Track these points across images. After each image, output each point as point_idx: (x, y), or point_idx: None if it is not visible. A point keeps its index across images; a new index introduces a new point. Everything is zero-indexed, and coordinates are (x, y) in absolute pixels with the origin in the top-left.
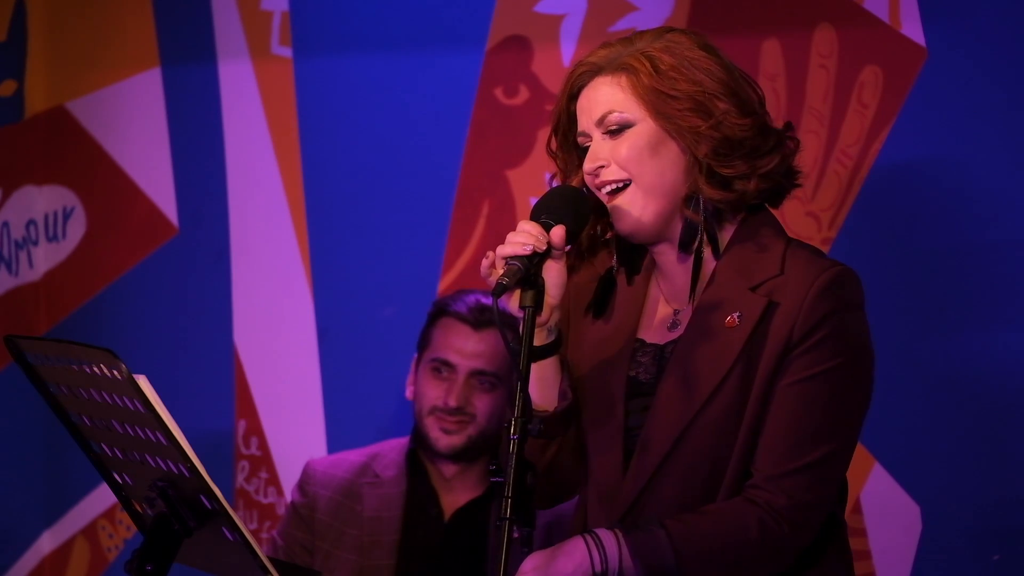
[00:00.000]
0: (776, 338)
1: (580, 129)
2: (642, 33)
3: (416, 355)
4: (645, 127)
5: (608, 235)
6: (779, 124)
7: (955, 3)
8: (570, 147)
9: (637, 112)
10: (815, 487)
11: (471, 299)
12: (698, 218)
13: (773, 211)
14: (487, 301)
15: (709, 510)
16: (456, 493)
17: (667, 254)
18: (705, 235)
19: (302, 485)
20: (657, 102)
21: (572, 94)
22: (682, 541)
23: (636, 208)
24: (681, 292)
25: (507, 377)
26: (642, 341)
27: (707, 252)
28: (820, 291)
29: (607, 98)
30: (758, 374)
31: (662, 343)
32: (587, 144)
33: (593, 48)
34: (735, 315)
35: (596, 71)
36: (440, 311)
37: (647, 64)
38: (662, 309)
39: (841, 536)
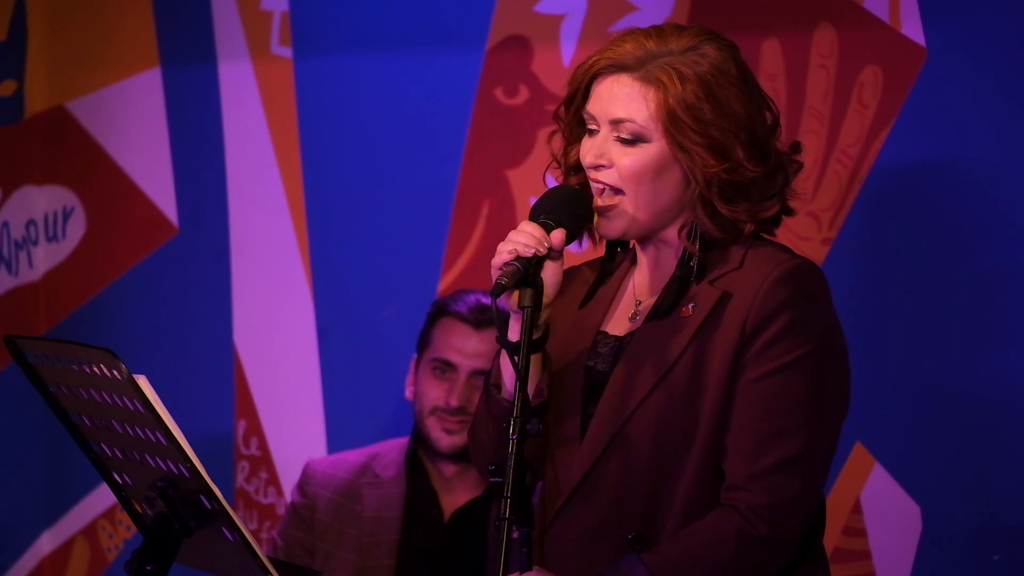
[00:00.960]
0: (729, 329)
1: (590, 112)
2: (677, 33)
3: (415, 355)
4: (657, 147)
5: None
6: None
7: (955, 3)
8: (579, 120)
9: (655, 131)
10: (795, 482)
11: (471, 299)
12: (694, 248)
13: None
14: (487, 301)
15: (687, 533)
16: (456, 493)
17: (648, 251)
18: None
19: (302, 485)
20: (676, 129)
21: (593, 75)
22: (661, 574)
23: (624, 219)
24: (652, 286)
25: None
26: (604, 333)
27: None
28: (774, 283)
29: (628, 105)
30: (711, 365)
31: (622, 335)
32: (592, 127)
33: (616, 38)
34: (690, 306)
35: (623, 68)
36: (440, 311)
37: (677, 86)
38: (628, 302)
39: (818, 556)
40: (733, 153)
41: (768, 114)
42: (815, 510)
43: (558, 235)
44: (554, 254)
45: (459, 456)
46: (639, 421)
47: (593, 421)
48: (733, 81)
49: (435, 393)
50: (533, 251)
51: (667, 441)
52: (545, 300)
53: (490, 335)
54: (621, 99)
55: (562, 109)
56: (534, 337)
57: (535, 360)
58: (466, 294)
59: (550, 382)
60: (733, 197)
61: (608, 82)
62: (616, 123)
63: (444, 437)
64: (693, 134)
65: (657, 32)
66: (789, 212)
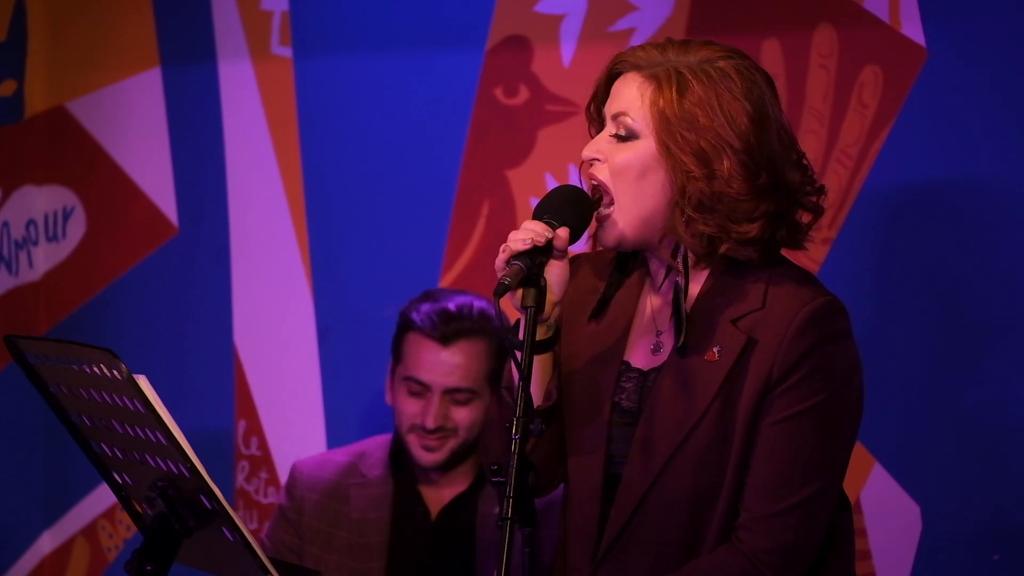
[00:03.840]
0: (756, 375)
1: (605, 108)
2: (702, 46)
3: (391, 362)
4: (646, 145)
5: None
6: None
7: (955, 3)
8: (604, 116)
9: (646, 127)
10: (799, 527)
11: (429, 308)
12: (675, 263)
13: None
14: (449, 306)
15: (692, 568)
16: (441, 490)
17: (654, 263)
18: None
19: (289, 488)
20: (664, 127)
21: (613, 74)
22: None
23: (618, 225)
24: (666, 308)
25: (483, 390)
26: (628, 364)
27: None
28: (800, 328)
29: (629, 99)
30: (739, 411)
31: (645, 369)
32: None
33: (647, 42)
34: (715, 349)
35: (636, 68)
36: (406, 325)
37: (674, 85)
38: (648, 325)
39: (845, 541)
40: (718, 164)
41: (793, 153)
42: (817, 547)
43: (562, 234)
44: (558, 253)
45: (442, 469)
46: (673, 472)
47: (625, 473)
48: (743, 97)
49: (411, 411)
50: (531, 241)
51: (701, 490)
52: (552, 299)
53: (459, 348)
54: (625, 94)
55: (592, 106)
56: (544, 337)
57: (545, 361)
58: (422, 302)
59: (574, 404)
60: (705, 208)
61: (620, 80)
62: (616, 117)
63: (425, 455)
64: (680, 138)
65: (683, 43)
66: (791, 245)
